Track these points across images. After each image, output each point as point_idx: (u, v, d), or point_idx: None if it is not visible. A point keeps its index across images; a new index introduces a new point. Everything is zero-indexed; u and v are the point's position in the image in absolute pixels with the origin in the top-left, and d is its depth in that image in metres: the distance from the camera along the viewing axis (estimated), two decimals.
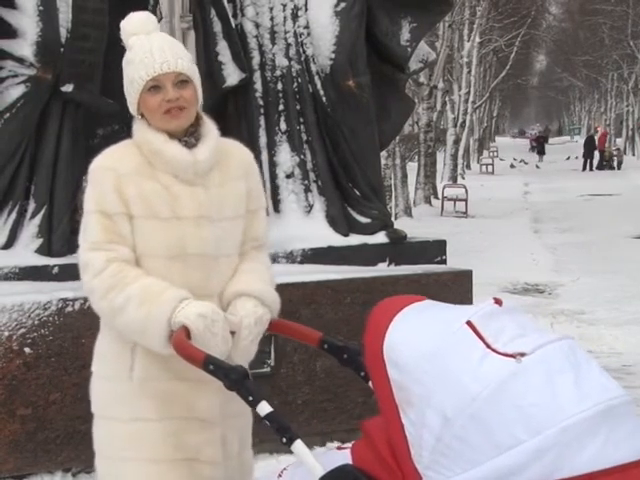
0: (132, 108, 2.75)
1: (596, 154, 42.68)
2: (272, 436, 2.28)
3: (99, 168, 2.71)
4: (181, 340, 2.52)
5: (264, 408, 2.32)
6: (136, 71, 2.66)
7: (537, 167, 45.15)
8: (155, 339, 2.58)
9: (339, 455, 2.25)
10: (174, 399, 2.70)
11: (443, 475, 1.94)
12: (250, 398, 2.36)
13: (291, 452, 2.27)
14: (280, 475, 2.39)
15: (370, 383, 2.41)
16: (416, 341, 2.02)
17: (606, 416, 1.87)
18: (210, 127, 2.77)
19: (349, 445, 2.27)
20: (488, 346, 1.95)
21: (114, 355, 2.73)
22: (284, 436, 2.26)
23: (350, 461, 2.20)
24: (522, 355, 1.92)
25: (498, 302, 2.08)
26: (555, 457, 1.83)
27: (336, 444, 4.74)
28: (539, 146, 49.39)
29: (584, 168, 41.32)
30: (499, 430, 1.86)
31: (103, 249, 2.63)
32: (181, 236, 2.68)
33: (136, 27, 2.72)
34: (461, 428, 1.90)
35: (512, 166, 44.20)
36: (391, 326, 2.08)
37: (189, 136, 2.71)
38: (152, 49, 2.67)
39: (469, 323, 2.00)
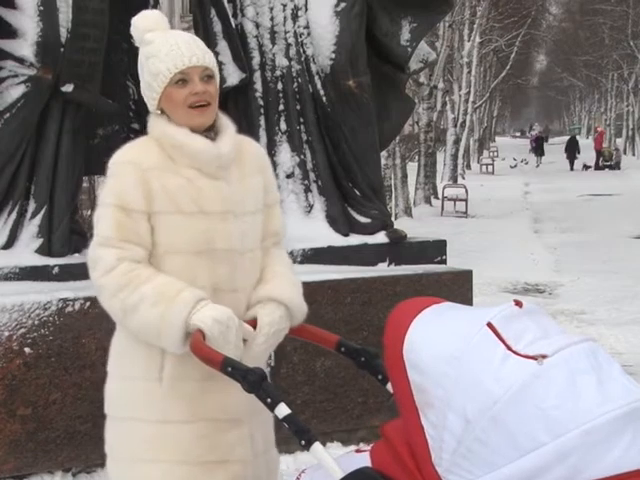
0: (152, 103, 2.70)
1: (592, 155, 42.83)
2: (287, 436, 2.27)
3: (122, 162, 2.66)
4: (199, 342, 2.51)
5: (282, 410, 2.32)
6: (163, 63, 2.62)
7: (537, 166, 45.19)
8: (170, 340, 2.55)
9: (358, 458, 2.25)
10: (205, 399, 2.66)
11: (464, 478, 1.93)
12: (268, 400, 2.36)
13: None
14: (299, 478, 2.39)
15: (388, 386, 2.41)
16: (436, 343, 2.01)
17: (630, 419, 1.86)
18: (227, 122, 2.76)
19: (368, 448, 2.26)
20: (509, 348, 1.95)
21: (139, 354, 2.67)
22: (303, 438, 2.25)
23: (369, 464, 2.19)
24: (544, 357, 1.91)
25: (519, 304, 2.07)
26: (577, 460, 1.82)
27: (336, 444, 4.75)
28: (537, 146, 49.27)
29: (571, 168, 41.61)
30: (520, 432, 1.85)
31: (115, 246, 2.59)
32: (208, 231, 2.64)
33: (152, 24, 2.70)
34: (482, 431, 1.89)
35: (514, 166, 44.23)
36: (411, 328, 2.07)
37: (209, 131, 2.69)
38: (178, 42, 2.64)
39: (490, 325, 2.00)
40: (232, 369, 2.43)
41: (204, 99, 2.63)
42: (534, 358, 1.91)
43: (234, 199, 2.69)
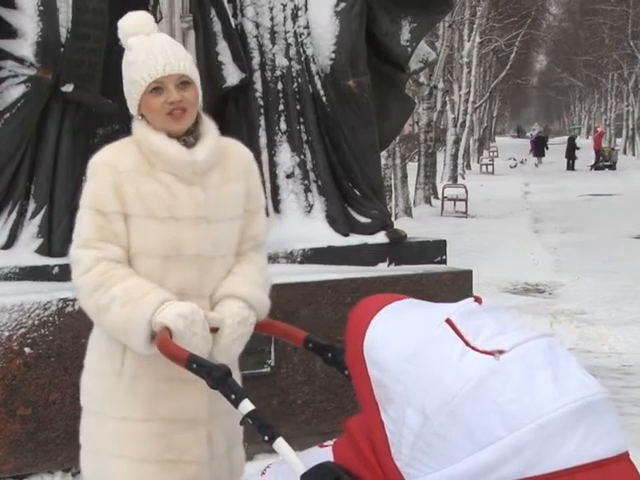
0: (132, 109, 2.75)
1: (591, 155, 42.86)
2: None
3: (99, 164, 2.71)
4: (164, 340, 2.55)
5: (246, 406, 2.34)
6: (138, 72, 2.66)
7: (535, 166, 45.19)
8: (136, 339, 2.61)
9: (321, 452, 2.26)
10: (162, 399, 2.71)
11: (422, 472, 1.95)
12: (232, 396, 2.38)
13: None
14: (264, 473, 2.41)
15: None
16: (396, 339, 2.03)
17: (584, 412, 1.88)
18: (210, 126, 2.77)
19: (331, 443, 2.28)
20: (467, 344, 1.96)
21: (106, 351, 2.74)
22: (266, 434, 2.27)
23: (332, 458, 2.21)
24: (501, 352, 1.93)
25: (478, 300, 2.10)
26: (533, 453, 1.84)
27: None
28: (537, 147, 49.17)
29: (568, 167, 41.64)
30: (478, 427, 1.87)
31: (94, 247, 2.64)
32: (178, 236, 2.68)
33: (135, 27, 2.72)
34: (440, 425, 1.91)
35: (514, 166, 44.23)
36: (371, 325, 2.09)
37: (188, 135, 2.72)
38: (154, 50, 2.66)
39: (448, 321, 2.01)
40: (197, 366, 2.46)
41: (180, 107, 2.66)
42: (491, 354, 1.93)
43: (209, 205, 2.72)
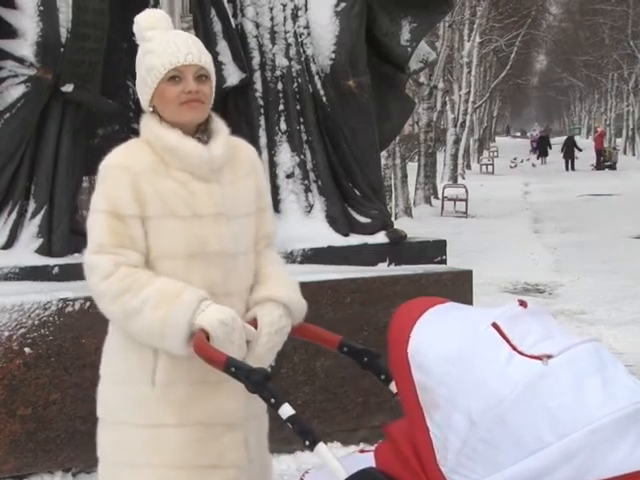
0: (145, 99, 2.69)
1: (591, 155, 42.83)
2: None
3: (112, 166, 2.64)
4: (202, 342, 2.49)
5: (286, 411, 2.31)
6: (158, 59, 2.62)
7: (533, 165, 45.15)
8: (174, 341, 2.53)
9: (362, 458, 2.24)
10: (197, 403, 2.64)
11: (468, 478, 1.93)
12: (272, 400, 2.35)
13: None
14: (302, 478, 2.39)
15: (391, 386, 2.41)
16: (441, 343, 2.01)
17: (634, 419, 1.86)
18: (220, 124, 2.75)
19: (372, 448, 2.26)
20: (514, 348, 1.95)
21: (132, 358, 2.65)
22: (307, 439, 2.25)
23: (373, 464, 2.19)
24: (549, 357, 1.92)
25: (523, 304, 2.08)
26: (583, 460, 1.82)
27: (336, 444, 4.75)
28: (540, 147, 49.06)
29: (567, 168, 41.53)
30: (526, 432, 1.85)
31: (110, 252, 2.57)
32: (201, 234, 2.63)
33: (153, 22, 2.70)
34: (487, 431, 1.89)
35: (514, 166, 44.21)
36: (415, 328, 2.07)
37: (201, 133, 2.69)
38: (176, 40, 2.65)
39: (494, 325, 2.00)
40: (235, 369, 2.42)
41: (196, 98, 2.62)
42: (539, 358, 1.91)
43: (227, 202, 2.69)
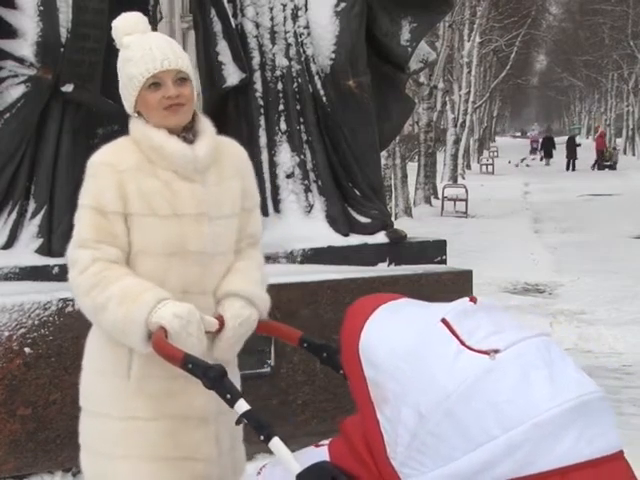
0: (129, 105, 2.75)
1: (592, 155, 42.84)
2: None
3: (99, 163, 2.71)
4: (160, 339, 2.55)
5: (242, 406, 2.35)
6: (136, 67, 2.67)
7: (527, 166, 45.15)
8: (133, 338, 2.60)
9: (317, 452, 2.26)
10: (171, 397, 2.71)
11: (417, 471, 1.95)
12: (228, 396, 2.38)
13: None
14: (259, 473, 2.42)
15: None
16: (391, 339, 2.04)
17: (580, 411, 1.88)
18: (206, 124, 2.79)
19: (326, 442, 2.28)
20: (462, 343, 1.97)
21: (110, 351, 2.73)
22: (262, 433, 2.27)
23: (328, 458, 2.22)
24: (496, 352, 1.93)
25: (473, 300, 2.10)
26: (528, 452, 1.85)
27: None
28: (545, 148, 48.80)
29: (567, 168, 41.52)
30: (473, 426, 1.88)
31: (91, 247, 2.64)
32: (181, 233, 2.69)
33: (130, 27, 2.74)
34: (436, 425, 1.91)
35: (515, 165, 44.22)
36: (366, 325, 2.10)
37: (187, 132, 2.73)
38: (152, 47, 2.68)
39: (444, 321, 2.02)
40: (193, 365, 2.46)
41: (177, 102, 2.67)
42: (487, 353, 1.93)
43: (210, 202, 2.73)
